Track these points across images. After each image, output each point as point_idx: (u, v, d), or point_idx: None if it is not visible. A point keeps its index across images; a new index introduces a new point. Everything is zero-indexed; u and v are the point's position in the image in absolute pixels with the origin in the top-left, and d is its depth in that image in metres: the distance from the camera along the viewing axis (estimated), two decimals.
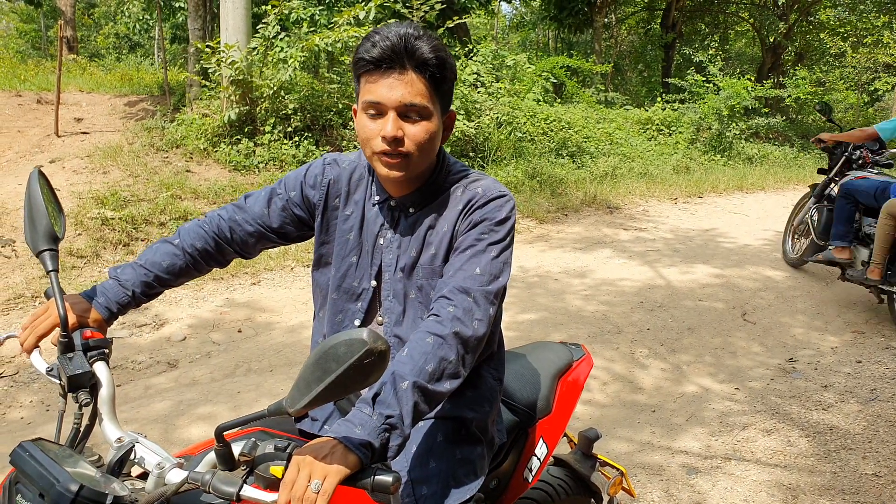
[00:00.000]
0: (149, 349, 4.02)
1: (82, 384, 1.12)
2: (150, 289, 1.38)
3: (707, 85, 14.13)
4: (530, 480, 1.59)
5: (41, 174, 1.25)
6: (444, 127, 1.32)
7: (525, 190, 8.76)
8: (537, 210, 8.10)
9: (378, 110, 1.23)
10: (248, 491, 0.91)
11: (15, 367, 3.69)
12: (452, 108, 1.34)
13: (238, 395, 3.41)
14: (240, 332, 4.34)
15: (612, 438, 3.09)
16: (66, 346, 1.17)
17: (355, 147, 8.40)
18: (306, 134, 8.23)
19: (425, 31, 1.24)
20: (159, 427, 3.08)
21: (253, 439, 0.97)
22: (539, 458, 1.62)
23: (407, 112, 1.23)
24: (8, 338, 1.30)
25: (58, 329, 1.19)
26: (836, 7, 19.18)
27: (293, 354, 3.97)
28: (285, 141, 7.99)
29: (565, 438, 1.96)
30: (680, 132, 13.61)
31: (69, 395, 1.13)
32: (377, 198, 1.39)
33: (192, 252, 1.43)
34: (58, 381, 1.16)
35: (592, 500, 1.93)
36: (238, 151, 7.75)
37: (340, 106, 8.56)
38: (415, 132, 1.23)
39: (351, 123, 8.60)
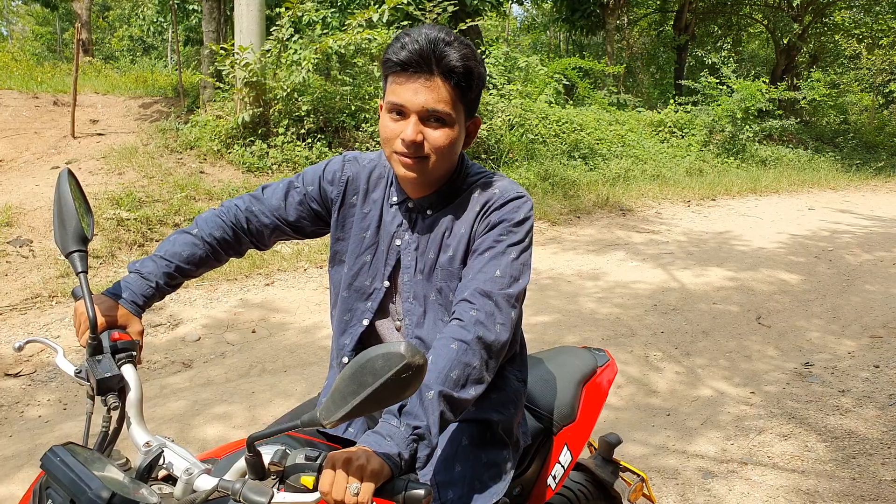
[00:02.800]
0: (164, 349, 4.04)
1: (111, 387, 1.11)
2: (172, 280, 1.37)
3: (720, 87, 14.05)
4: (553, 488, 1.57)
5: (71, 174, 1.24)
6: (467, 133, 1.31)
7: (537, 192, 8.75)
8: (549, 212, 8.09)
9: (401, 112, 1.23)
10: (283, 497, 0.91)
11: (33, 365, 3.73)
12: (477, 114, 1.33)
13: (253, 395, 3.42)
14: (254, 332, 4.35)
15: (626, 442, 3.07)
16: (95, 349, 1.16)
17: (368, 149, 8.43)
18: (319, 136, 8.27)
19: (457, 37, 1.22)
20: (175, 426, 3.10)
21: (283, 448, 0.97)
22: (563, 466, 1.60)
23: (429, 117, 1.22)
24: (28, 342, 1.29)
25: (87, 331, 1.19)
26: (851, 8, 19.03)
27: (307, 355, 3.98)
28: (298, 143, 8.02)
29: (586, 443, 1.95)
30: (693, 134, 13.54)
31: (97, 397, 1.13)
32: (395, 198, 1.39)
33: (210, 242, 1.42)
34: (86, 383, 1.15)
35: None
36: (251, 153, 7.79)
37: (353, 108, 8.58)
38: (435, 137, 1.23)
39: (364, 125, 8.62)
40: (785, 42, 19.12)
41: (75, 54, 8.53)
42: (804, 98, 15.43)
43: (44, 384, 3.55)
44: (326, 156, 7.97)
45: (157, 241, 5.85)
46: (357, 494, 0.91)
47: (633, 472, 1.90)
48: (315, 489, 0.94)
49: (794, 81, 17.66)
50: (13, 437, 3.01)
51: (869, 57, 20.54)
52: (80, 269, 1.17)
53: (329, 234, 1.48)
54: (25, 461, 2.78)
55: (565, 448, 1.61)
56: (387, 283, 1.39)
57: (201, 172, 7.39)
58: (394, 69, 1.22)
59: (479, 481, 1.31)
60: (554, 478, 1.57)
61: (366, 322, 1.41)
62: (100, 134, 8.46)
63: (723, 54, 16.21)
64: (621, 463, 1.89)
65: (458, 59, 1.20)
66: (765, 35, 22.48)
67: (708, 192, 10.48)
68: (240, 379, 3.66)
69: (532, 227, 1.31)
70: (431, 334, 1.35)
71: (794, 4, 17.35)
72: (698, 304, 5.11)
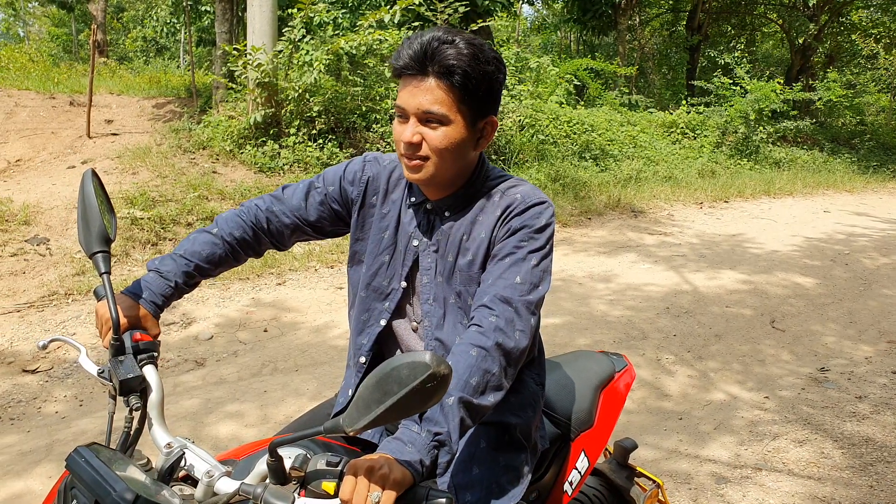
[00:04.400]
0: (177, 347, 4.07)
1: (133, 388, 1.12)
2: (191, 278, 1.37)
3: (733, 87, 13.95)
4: (570, 493, 1.56)
5: (94, 175, 1.24)
6: (481, 134, 1.30)
7: (548, 193, 8.73)
8: (560, 214, 8.07)
9: (403, 115, 1.24)
10: (304, 502, 0.91)
11: (50, 362, 3.76)
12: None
13: (265, 394, 3.43)
14: (266, 331, 4.37)
15: (639, 445, 3.06)
16: (118, 349, 1.17)
17: (378, 149, 8.44)
18: (330, 136, 8.29)
19: (464, 37, 1.21)
20: (188, 424, 3.11)
21: (304, 453, 0.97)
22: (580, 472, 1.59)
23: (426, 118, 1.22)
24: (52, 341, 1.30)
25: (110, 331, 1.19)
26: (868, 7, 18.82)
27: (318, 354, 3.99)
28: (310, 143, 8.05)
29: None
30: (705, 136, 13.46)
31: (119, 397, 1.13)
32: (413, 199, 1.39)
33: (230, 241, 1.42)
34: (109, 384, 1.16)
35: None
36: (263, 153, 7.82)
37: (364, 109, 8.60)
38: (432, 138, 1.22)
39: (374, 126, 8.64)
40: (800, 42, 18.94)
41: (91, 55, 8.61)
42: (819, 99, 15.28)
43: (60, 381, 3.58)
44: (337, 156, 7.99)
45: (170, 239, 5.89)
46: (377, 503, 0.91)
47: (649, 478, 1.88)
48: (336, 496, 0.94)
49: (810, 82, 17.49)
50: (31, 432, 3.04)
51: (887, 57, 20.30)
52: (103, 270, 1.18)
53: (348, 235, 1.48)
54: (43, 456, 2.81)
55: (582, 454, 1.60)
56: (404, 284, 1.39)
57: (214, 172, 7.43)
58: (396, 74, 1.24)
59: (497, 484, 1.30)
60: (570, 484, 1.56)
61: (383, 322, 1.41)
62: (114, 134, 8.53)
63: (736, 54, 16.04)
64: (637, 468, 1.87)
65: (454, 58, 1.18)
66: (779, 35, 22.30)
67: (721, 193, 10.41)
68: (252, 378, 3.68)
69: (553, 233, 1.30)
70: (451, 337, 1.34)
71: (810, 4, 17.19)
72: (711, 307, 5.07)
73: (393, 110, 8.52)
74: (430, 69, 1.19)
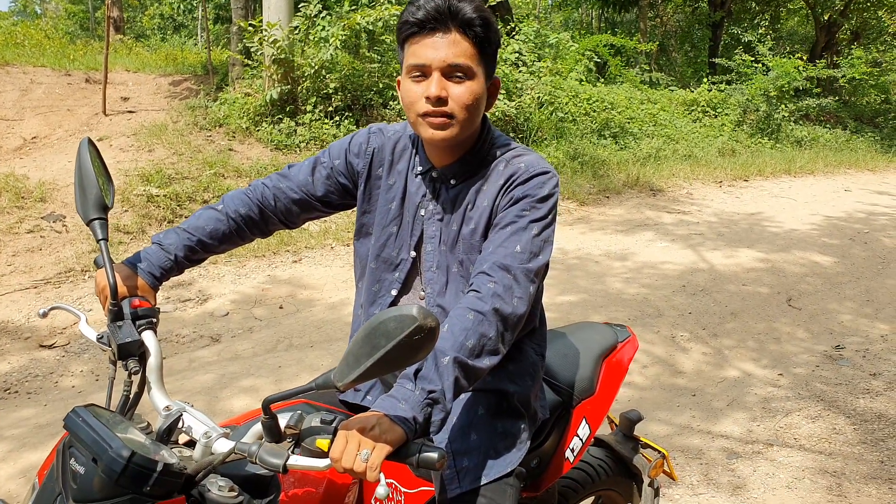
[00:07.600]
0: (193, 323, 4.12)
1: (131, 352, 1.14)
2: (193, 253, 1.39)
3: (756, 65, 13.66)
4: (572, 461, 1.57)
5: (91, 143, 1.25)
6: (488, 94, 1.30)
7: (566, 171, 8.65)
8: (578, 192, 8.00)
9: (422, 72, 1.22)
10: (298, 460, 0.92)
11: (66, 337, 3.83)
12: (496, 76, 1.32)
13: (279, 369, 3.47)
14: (281, 308, 4.41)
15: (651, 421, 3.06)
16: (116, 315, 1.19)
17: None
18: (347, 114, 8.26)
19: None
20: (203, 398, 3.16)
21: (299, 412, 0.98)
22: (581, 439, 1.60)
23: (451, 72, 1.21)
24: (52, 309, 1.32)
25: (108, 297, 1.21)
26: None
27: (333, 331, 4.02)
28: (326, 120, 8.03)
29: (606, 420, 1.94)
30: (726, 114, 13.22)
31: (118, 362, 1.15)
32: (420, 168, 1.38)
33: (235, 218, 1.43)
34: (108, 349, 1.18)
35: (633, 482, 1.90)
36: (280, 130, 7.82)
37: (381, 85, 8.55)
38: (459, 92, 1.22)
39: (392, 103, 8.59)
40: (825, 18, 18.45)
41: (106, 32, 8.63)
42: (843, 76, 14.92)
43: (77, 356, 3.65)
44: None
45: (186, 217, 5.93)
46: (367, 461, 0.92)
47: (654, 449, 1.89)
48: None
49: (834, 59, 17.07)
50: (48, 406, 3.11)
51: None
52: (100, 237, 1.20)
53: (355, 208, 1.48)
54: (59, 429, 2.86)
55: (584, 421, 1.61)
56: (413, 254, 1.39)
57: (230, 150, 7.45)
58: (410, 31, 1.23)
59: (495, 450, 1.31)
60: (572, 451, 1.57)
61: (394, 292, 1.41)
62: (130, 111, 8.57)
63: (759, 32, 15.67)
64: (641, 439, 1.88)
65: (474, 11, 1.20)
66: (804, 11, 21.72)
67: (740, 172, 10.26)
68: (267, 353, 3.72)
69: (556, 203, 1.29)
70: (452, 304, 1.34)
71: None
72: (727, 286, 5.03)
73: None
74: (452, 23, 1.20)
